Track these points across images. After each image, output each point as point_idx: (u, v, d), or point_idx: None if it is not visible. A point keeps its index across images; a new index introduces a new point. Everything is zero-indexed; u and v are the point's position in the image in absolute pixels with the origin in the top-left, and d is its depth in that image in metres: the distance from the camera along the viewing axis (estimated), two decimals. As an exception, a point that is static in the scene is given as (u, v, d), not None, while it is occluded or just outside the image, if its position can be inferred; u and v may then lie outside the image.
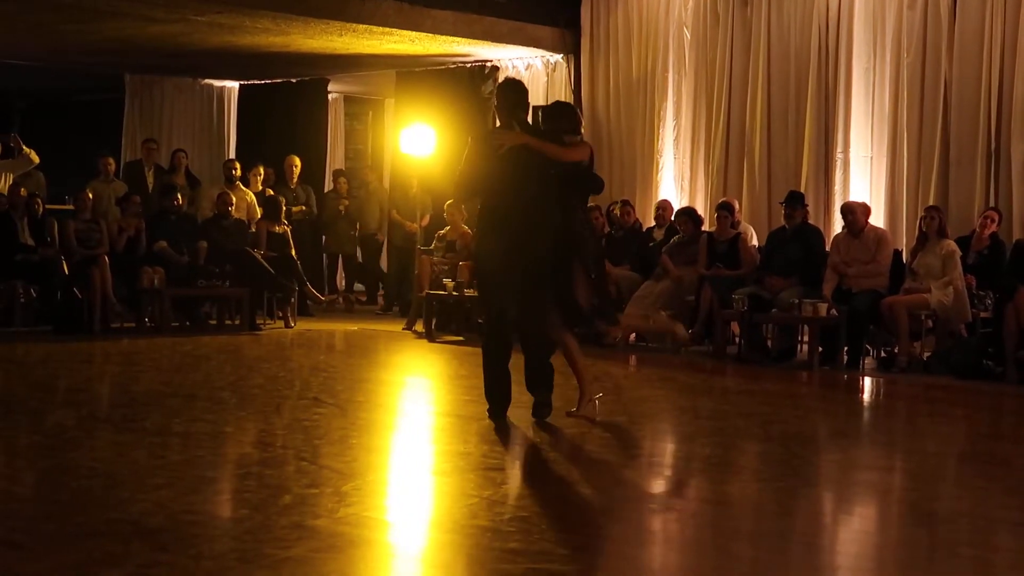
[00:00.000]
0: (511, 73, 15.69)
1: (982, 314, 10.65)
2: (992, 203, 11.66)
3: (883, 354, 11.34)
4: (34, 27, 14.15)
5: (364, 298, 16.98)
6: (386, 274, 16.68)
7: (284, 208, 14.52)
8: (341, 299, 16.55)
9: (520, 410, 7.69)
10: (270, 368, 10.25)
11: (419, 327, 13.45)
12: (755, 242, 12.52)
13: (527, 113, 7.85)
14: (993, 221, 11.09)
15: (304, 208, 15.78)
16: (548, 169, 7.51)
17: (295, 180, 15.90)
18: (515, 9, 14.69)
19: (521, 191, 7.42)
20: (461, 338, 12.68)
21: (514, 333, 7.70)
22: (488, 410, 7.58)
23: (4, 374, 9.87)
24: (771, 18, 13.46)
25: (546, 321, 7.52)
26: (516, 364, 7.66)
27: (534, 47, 15.21)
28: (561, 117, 7.89)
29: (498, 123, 7.93)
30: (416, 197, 15.39)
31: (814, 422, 8.56)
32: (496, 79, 15.44)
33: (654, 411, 8.82)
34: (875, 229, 11.54)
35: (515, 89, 7.78)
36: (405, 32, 13.99)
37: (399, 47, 14.88)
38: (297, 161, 15.97)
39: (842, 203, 12.05)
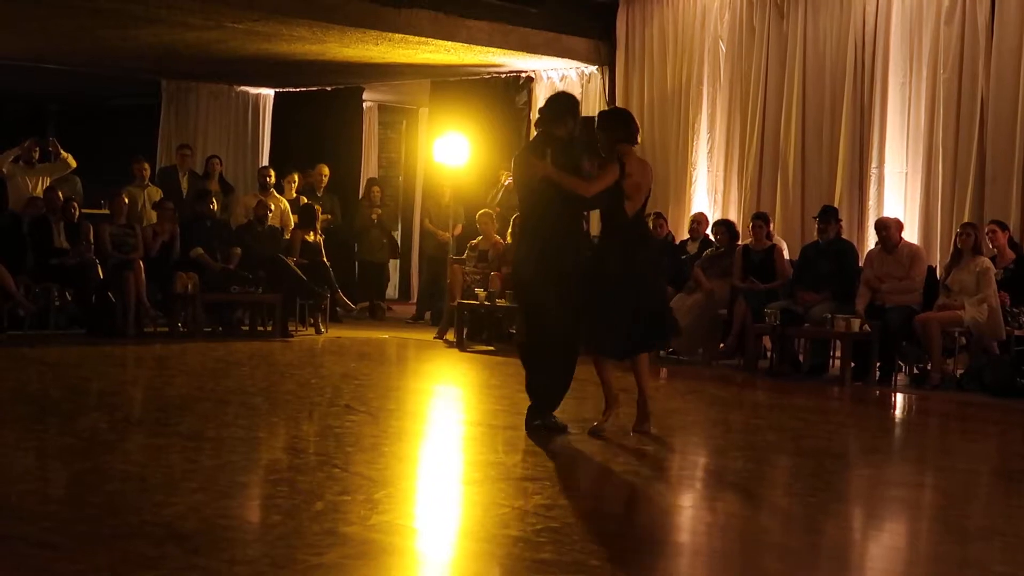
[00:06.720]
0: (545, 84, 15.73)
1: (1016, 332, 10.59)
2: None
3: (916, 371, 11.29)
4: (72, 33, 14.26)
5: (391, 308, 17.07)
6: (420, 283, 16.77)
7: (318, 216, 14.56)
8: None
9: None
10: (302, 375, 10.30)
11: (450, 336, 13.47)
12: (788, 256, 12.49)
13: (566, 129, 7.69)
14: (995, 232, 11.03)
15: (330, 216, 15.82)
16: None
17: (322, 189, 15.94)
18: (550, 20, 14.70)
19: (549, 204, 7.49)
20: (492, 348, 12.69)
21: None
22: (551, 420, 7.50)
23: (38, 376, 9.95)
24: (807, 32, 13.42)
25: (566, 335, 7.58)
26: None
27: (569, 58, 15.22)
28: (616, 127, 7.73)
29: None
30: (449, 206, 15.43)
31: (845, 437, 8.54)
32: (531, 90, 15.47)
33: (685, 424, 8.80)
34: (909, 245, 11.50)
35: (552, 105, 7.80)
36: (440, 42, 14.02)
37: (434, 57, 14.92)
38: (326, 170, 16.00)
39: (876, 218, 12.01)
